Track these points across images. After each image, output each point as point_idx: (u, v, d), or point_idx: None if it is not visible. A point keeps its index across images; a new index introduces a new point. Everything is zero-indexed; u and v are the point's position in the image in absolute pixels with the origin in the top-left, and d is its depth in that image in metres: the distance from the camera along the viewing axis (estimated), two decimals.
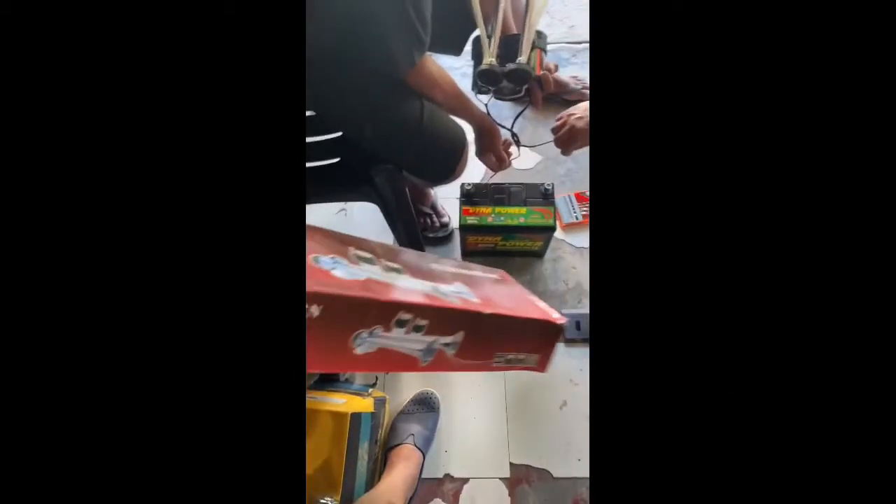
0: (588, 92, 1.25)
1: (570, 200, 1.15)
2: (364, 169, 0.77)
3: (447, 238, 1.13)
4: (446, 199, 1.17)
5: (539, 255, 1.10)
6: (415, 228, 0.97)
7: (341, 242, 0.56)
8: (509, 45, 0.77)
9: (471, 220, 0.96)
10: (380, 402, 0.88)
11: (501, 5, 0.78)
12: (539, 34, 0.78)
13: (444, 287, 0.56)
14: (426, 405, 0.94)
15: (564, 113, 0.85)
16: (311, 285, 0.39)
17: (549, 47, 1.36)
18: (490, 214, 0.97)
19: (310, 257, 0.45)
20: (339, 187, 0.85)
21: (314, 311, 0.39)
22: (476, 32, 0.80)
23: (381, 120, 0.73)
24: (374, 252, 0.57)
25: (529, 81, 0.75)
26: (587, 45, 1.37)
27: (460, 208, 0.98)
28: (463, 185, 0.98)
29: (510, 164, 0.90)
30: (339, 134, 0.82)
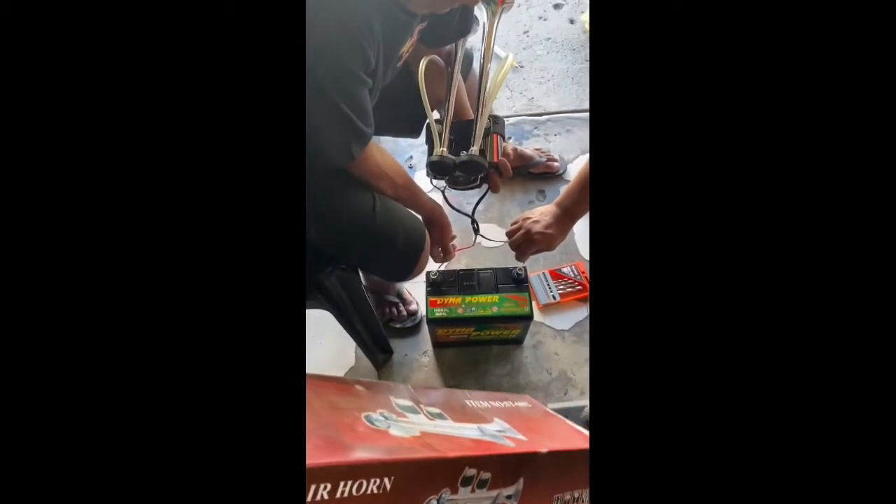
0: (554, 164, 1.22)
1: (545, 279, 1.07)
2: (310, 275, 0.68)
3: (416, 328, 1.03)
4: (414, 282, 1.09)
5: (518, 342, 1.01)
6: (378, 329, 0.88)
7: (380, 392, 0.56)
8: (464, 131, 0.72)
9: (439, 313, 0.87)
10: None
11: (454, 90, 0.74)
12: (495, 119, 0.73)
13: (489, 428, 0.54)
14: None
15: (520, 216, 0.82)
16: (378, 453, 0.38)
17: (511, 120, 1.36)
18: (460, 305, 0.88)
19: (361, 416, 0.45)
20: None
21: (386, 483, 0.37)
22: (434, 115, 0.75)
23: (328, 217, 0.65)
24: (413, 398, 0.56)
25: (485, 170, 0.70)
26: (548, 116, 1.36)
27: (427, 299, 0.89)
28: (429, 273, 0.90)
29: (455, 255, 0.86)
30: None
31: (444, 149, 0.69)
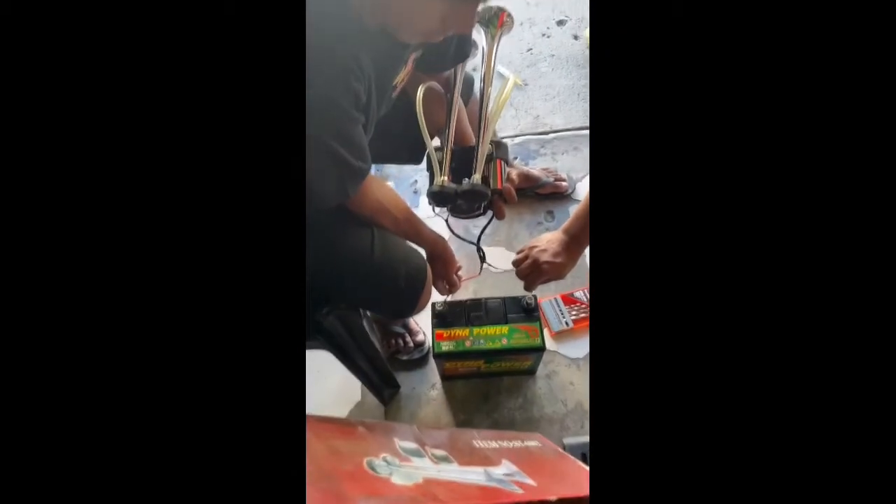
0: (562, 184, 1.18)
1: (557, 304, 1.03)
2: (308, 315, 0.65)
3: (424, 359, 0.99)
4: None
5: (530, 372, 0.96)
6: (383, 366, 0.84)
7: (384, 434, 0.54)
8: (466, 157, 0.69)
9: (446, 347, 0.83)
10: None
11: (453, 116, 0.71)
12: (498, 144, 0.70)
13: (496, 471, 0.53)
14: None
15: (527, 245, 0.79)
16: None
17: (517, 139, 1.33)
18: (468, 338, 0.84)
19: (363, 461, 0.43)
20: None
21: None
22: (435, 143, 0.72)
23: (324, 256, 0.62)
24: (418, 440, 0.55)
25: (487, 198, 0.66)
26: (554, 134, 1.33)
27: (433, 332, 0.85)
28: (434, 304, 0.87)
29: (460, 287, 0.83)
30: None
31: (445, 178, 0.66)
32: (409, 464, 0.48)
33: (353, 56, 0.50)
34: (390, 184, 1.27)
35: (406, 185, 1.29)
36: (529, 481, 0.52)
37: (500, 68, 1.49)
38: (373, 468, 0.43)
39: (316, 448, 0.42)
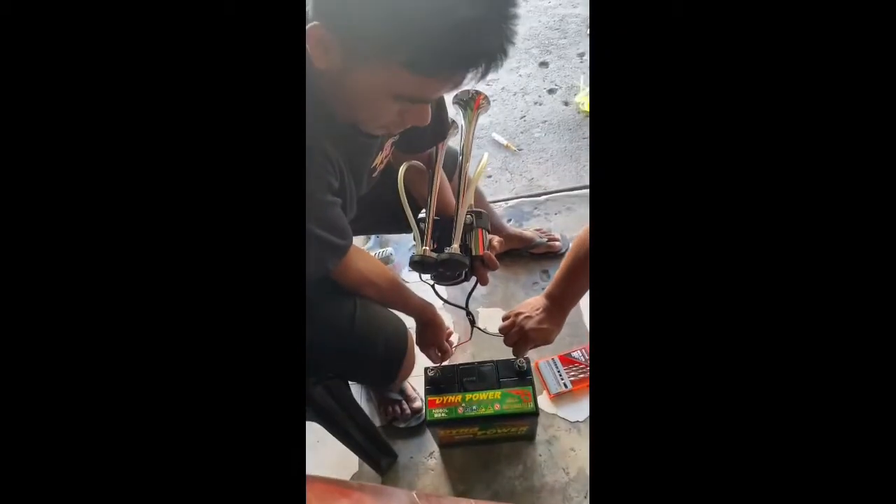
0: (556, 243, 1.21)
1: (555, 365, 1.02)
2: None
3: (421, 427, 0.98)
4: (417, 376, 1.05)
5: (529, 438, 0.94)
6: (378, 435, 0.83)
7: (379, 497, 0.53)
8: (448, 227, 0.72)
9: (438, 414, 0.83)
10: None
11: (435, 189, 0.75)
12: (479, 214, 0.74)
13: None
14: None
15: (512, 311, 0.80)
16: None
17: (511, 202, 1.38)
18: (460, 404, 0.83)
19: None
20: None
21: None
22: (421, 213, 0.76)
23: (308, 324, 0.65)
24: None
25: (468, 264, 0.69)
26: (547, 196, 1.38)
27: (426, 399, 0.85)
28: (427, 369, 0.87)
29: (453, 353, 0.84)
30: None
31: (427, 247, 0.69)
32: None
33: (321, 150, 0.55)
34: (389, 249, 1.32)
35: (405, 249, 1.33)
36: None
37: (495, 136, 1.57)
38: None
39: None
